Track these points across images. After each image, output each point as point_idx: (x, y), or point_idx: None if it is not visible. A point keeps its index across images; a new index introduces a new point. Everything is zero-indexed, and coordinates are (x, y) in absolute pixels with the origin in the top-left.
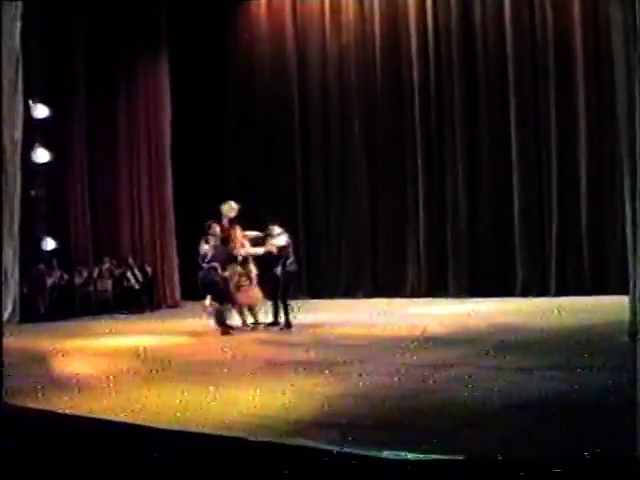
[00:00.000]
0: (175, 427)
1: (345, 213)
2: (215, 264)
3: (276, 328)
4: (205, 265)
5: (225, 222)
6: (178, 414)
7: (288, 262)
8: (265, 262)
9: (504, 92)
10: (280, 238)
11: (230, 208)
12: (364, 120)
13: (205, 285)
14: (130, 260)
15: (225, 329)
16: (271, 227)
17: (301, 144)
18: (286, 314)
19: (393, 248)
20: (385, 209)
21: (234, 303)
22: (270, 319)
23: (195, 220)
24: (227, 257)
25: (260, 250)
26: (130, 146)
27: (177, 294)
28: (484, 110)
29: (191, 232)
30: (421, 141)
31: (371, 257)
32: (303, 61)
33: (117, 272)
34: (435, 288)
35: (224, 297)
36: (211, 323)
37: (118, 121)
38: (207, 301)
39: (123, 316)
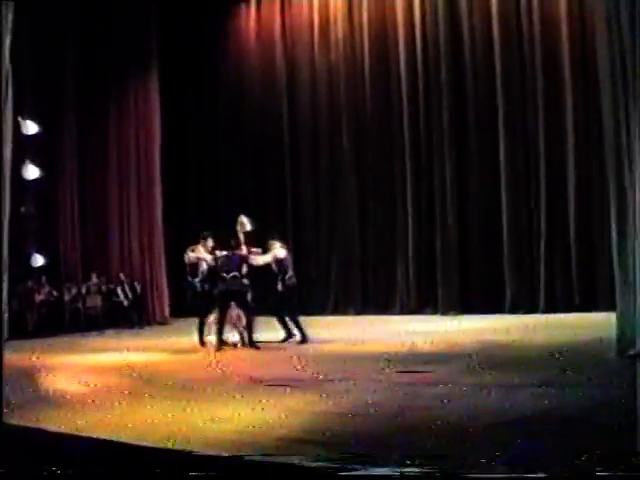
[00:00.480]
0: (162, 445)
1: (334, 229)
2: (235, 273)
3: (292, 341)
4: (226, 275)
5: (241, 238)
6: (165, 432)
7: (287, 277)
8: (263, 278)
9: (493, 109)
10: (280, 251)
11: (239, 223)
12: (353, 136)
13: (230, 294)
14: (121, 276)
15: (256, 345)
16: (271, 242)
17: (290, 159)
18: (300, 328)
19: (382, 265)
20: (374, 225)
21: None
22: (283, 335)
23: (184, 236)
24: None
25: (268, 258)
26: (120, 162)
27: (166, 311)
28: (473, 126)
29: (180, 248)
30: (410, 157)
31: (361, 274)
32: (292, 76)
33: (105, 288)
34: (424, 305)
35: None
36: (235, 337)
37: (108, 137)
38: (235, 312)
39: (112, 332)
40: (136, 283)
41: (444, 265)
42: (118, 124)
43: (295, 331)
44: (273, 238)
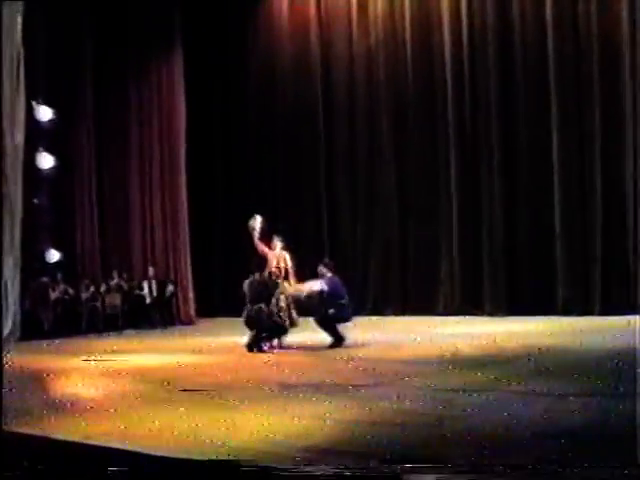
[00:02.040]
0: (179, 454)
1: (373, 224)
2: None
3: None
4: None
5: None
6: (184, 441)
7: (330, 310)
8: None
9: (545, 97)
10: (313, 283)
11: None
12: (393, 124)
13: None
14: (151, 270)
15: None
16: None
17: (325, 150)
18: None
19: (425, 263)
20: (416, 221)
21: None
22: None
23: (212, 231)
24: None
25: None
26: (142, 151)
27: (192, 310)
28: (523, 114)
29: (207, 243)
30: (454, 147)
31: (401, 272)
32: (328, 57)
33: (127, 286)
34: (469, 306)
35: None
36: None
37: (129, 123)
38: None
39: (132, 333)
40: (169, 282)
41: (491, 263)
42: (139, 109)
43: (328, 333)
44: (325, 262)
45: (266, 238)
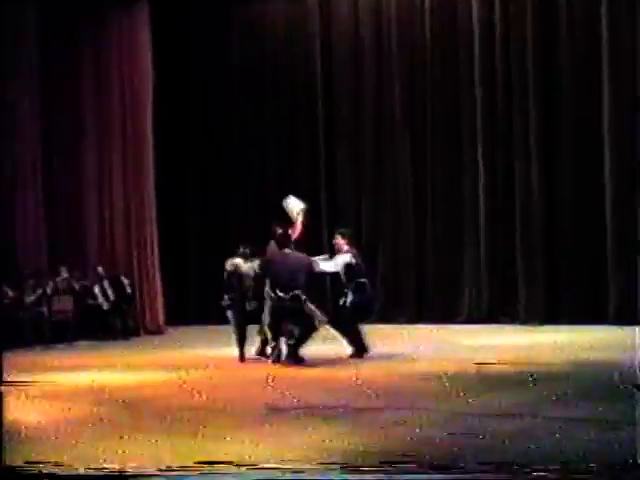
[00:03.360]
0: None
1: (381, 213)
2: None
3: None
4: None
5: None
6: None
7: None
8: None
9: (594, 65)
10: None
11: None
12: (407, 90)
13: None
14: (100, 270)
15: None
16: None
17: (325, 121)
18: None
19: (445, 262)
20: (435, 209)
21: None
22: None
23: (184, 222)
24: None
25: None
26: (99, 125)
27: (160, 317)
28: (568, 84)
29: (179, 237)
30: (482, 117)
31: (416, 272)
32: (329, 16)
33: (79, 287)
34: (499, 312)
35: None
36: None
37: (82, 88)
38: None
39: (86, 345)
40: (123, 278)
41: (526, 261)
42: (95, 71)
43: (344, 340)
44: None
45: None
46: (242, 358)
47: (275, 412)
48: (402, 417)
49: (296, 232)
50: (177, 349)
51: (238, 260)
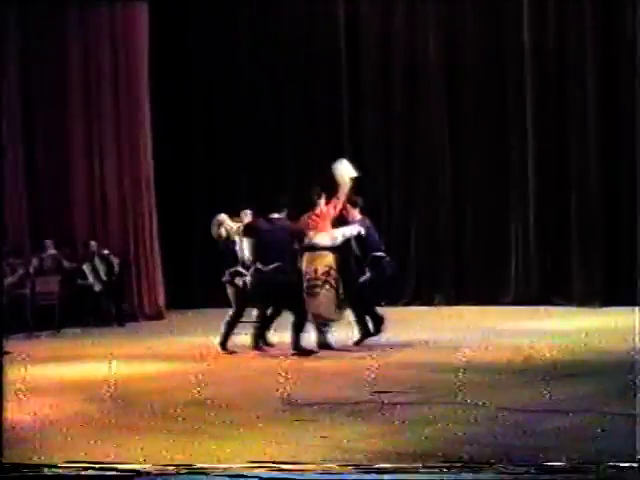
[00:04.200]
0: None
1: (415, 182)
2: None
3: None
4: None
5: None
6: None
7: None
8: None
9: None
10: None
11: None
12: (447, 66)
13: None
14: (92, 244)
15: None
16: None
17: (349, 84)
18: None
19: (488, 234)
20: (477, 177)
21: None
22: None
23: (187, 196)
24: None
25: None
26: (87, 87)
27: (161, 300)
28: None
29: (181, 213)
30: (533, 83)
31: (454, 247)
32: None
33: (68, 264)
34: (551, 293)
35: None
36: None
37: (69, 50)
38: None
39: (77, 332)
40: (113, 257)
41: (582, 235)
42: (82, 32)
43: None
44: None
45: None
46: (224, 346)
47: (291, 408)
48: (438, 413)
49: (340, 203)
50: (179, 336)
51: (223, 216)
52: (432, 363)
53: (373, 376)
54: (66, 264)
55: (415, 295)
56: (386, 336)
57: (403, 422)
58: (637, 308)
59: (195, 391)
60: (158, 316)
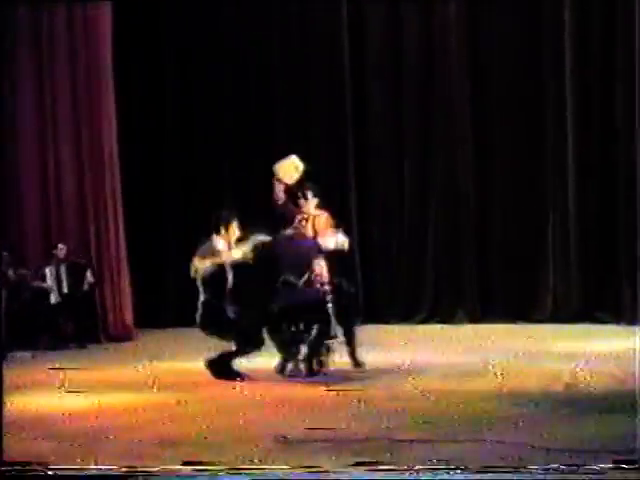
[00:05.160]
0: None
1: (432, 171)
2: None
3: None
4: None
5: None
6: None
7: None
8: None
9: None
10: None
11: (293, 167)
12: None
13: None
14: (60, 250)
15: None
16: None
17: (352, 75)
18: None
19: (519, 240)
20: (504, 173)
21: None
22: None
23: (159, 196)
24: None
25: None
26: (38, 63)
27: (129, 318)
28: None
29: (152, 216)
30: (571, 65)
31: (478, 254)
32: None
33: (13, 274)
34: (597, 307)
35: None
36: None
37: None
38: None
39: (25, 356)
40: (83, 266)
41: (630, 245)
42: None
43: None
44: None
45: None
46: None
47: (287, 445)
48: (459, 453)
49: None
50: (151, 360)
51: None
52: (452, 391)
53: (385, 408)
54: (11, 273)
55: (433, 310)
56: (397, 358)
57: (421, 462)
58: None
59: (178, 425)
60: (126, 337)
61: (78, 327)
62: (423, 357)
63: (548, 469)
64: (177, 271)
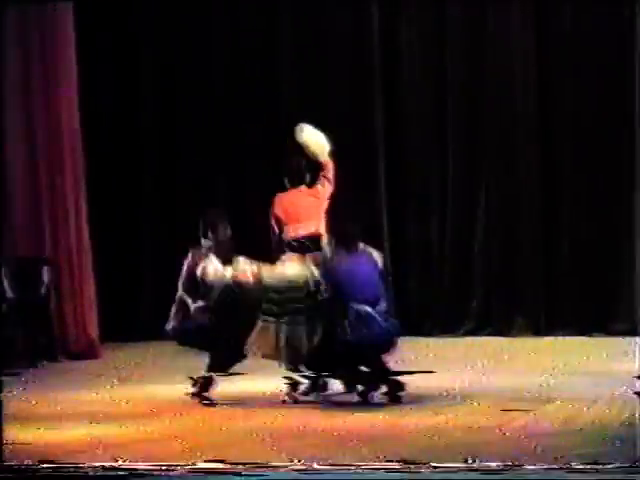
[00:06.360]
0: None
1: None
2: None
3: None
4: None
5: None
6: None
7: None
8: None
9: None
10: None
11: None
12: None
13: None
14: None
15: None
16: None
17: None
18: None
19: (589, 235)
20: (574, 165)
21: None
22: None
23: (131, 192)
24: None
25: None
26: None
27: (93, 331)
28: None
29: (124, 210)
30: None
31: (541, 254)
32: None
33: None
34: None
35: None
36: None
37: None
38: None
39: None
40: (39, 265)
41: None
42: None
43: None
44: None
45: None
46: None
47: None
48: None
49: (327, 192)
50: (120, 383)
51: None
52: (508, 421)
53: (406, 440)
54: None
55: (482, 320)
56: (436, 379)
57: None
58: None
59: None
60: (90, 353)
61: (29, 342)
62: (468, 378)
63: None
64: (152, 277)
